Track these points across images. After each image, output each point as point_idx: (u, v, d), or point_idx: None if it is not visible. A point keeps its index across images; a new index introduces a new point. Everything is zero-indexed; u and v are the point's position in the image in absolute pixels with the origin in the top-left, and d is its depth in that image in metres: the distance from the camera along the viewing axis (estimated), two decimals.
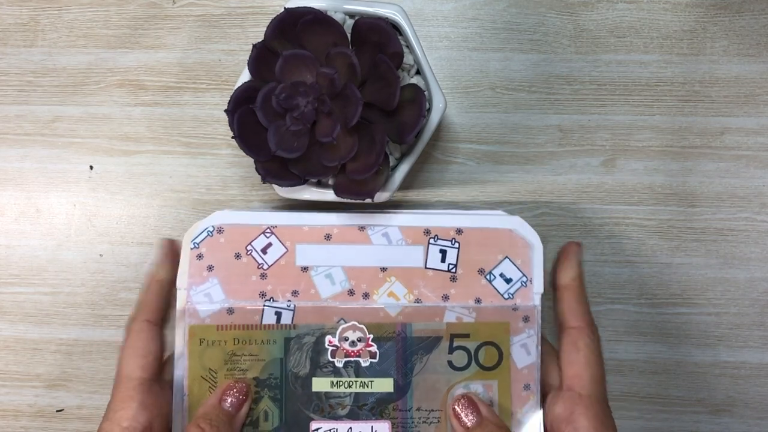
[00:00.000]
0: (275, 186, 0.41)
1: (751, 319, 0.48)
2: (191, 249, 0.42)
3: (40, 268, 0.49)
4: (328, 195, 0.41)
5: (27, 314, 0.49)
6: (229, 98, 0.39)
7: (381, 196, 0.42)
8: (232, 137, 0.39)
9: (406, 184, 0.48)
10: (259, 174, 0.39)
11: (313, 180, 0.41)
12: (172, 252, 0.44)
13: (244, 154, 0.39)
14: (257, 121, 0.39)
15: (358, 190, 0.39)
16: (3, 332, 0.49)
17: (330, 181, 0.41)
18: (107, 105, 0.49)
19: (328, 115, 0.39)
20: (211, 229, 0.43)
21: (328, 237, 0.43)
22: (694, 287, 0.48)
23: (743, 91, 0.48)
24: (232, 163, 0.49)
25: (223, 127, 0.49)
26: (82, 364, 0.48)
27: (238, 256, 0.43)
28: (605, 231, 0.48)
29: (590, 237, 0.48)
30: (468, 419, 0.40)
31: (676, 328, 0.48)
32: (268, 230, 0.43)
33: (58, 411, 0.48)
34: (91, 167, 0.49)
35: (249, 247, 0.43)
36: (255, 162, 0.39)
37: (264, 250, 0.43)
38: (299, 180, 0.40)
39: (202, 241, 0.42)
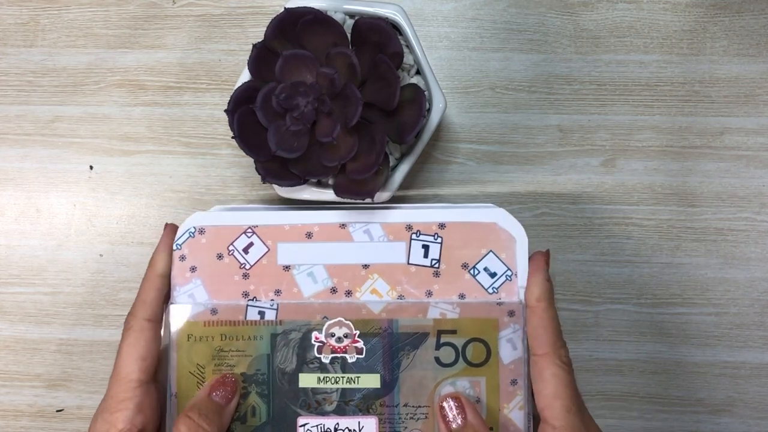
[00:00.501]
0: (275, 186, 0.41)
1: (751, 319, 0.48)
2: (174, 250, 0.42)
3: (40, 268, 0.49)
4: (328, 195, 0.41)
5: (27, 314, 0.49)
6: (229, 98, 0.39)
7: (381, 196, 0.42)
8: (232, 137, 0.39)
9: (406, 184, 0.48)
10: (259, 174, 0.39)
11: (313, 180, 0.41)
12: (173, 240, 0.43)
13: (244, 154, 0.39)
14: (257, 121, 0.39)
15: (358, 190, 0.39)
16: (3, 332, 0.49)
17: (330, 181, 0.41)
18: (107, 105, 0.49)
19: (328, 115, 0.39)
20: (192, 230, 0.42)
21: (309, 235, 0.42)
22: (694, 287, 0.48)
23: (743, 91, 0.48)
24: (232, 163, 0.49)
25: (223, 127, 0.49)
26: (82, 364, 0.48)
27: (220, 256, 0.42)
28: (605, 231, 0.48)
29: (590, 237, 0.48)
30: (453, 422, 0.40)
31: (676, 328, 0.48)
32: (249, 230, 0.43)
33: (58, 411, 0.48)
34: (91, 167, 0.49)
35: (231, 248, 0.42)
36: (255, 162, 0.39)
37: (246, 250, 0.42)
38: (299, 180, 0.40)
39: (184, 242, 0.42)
